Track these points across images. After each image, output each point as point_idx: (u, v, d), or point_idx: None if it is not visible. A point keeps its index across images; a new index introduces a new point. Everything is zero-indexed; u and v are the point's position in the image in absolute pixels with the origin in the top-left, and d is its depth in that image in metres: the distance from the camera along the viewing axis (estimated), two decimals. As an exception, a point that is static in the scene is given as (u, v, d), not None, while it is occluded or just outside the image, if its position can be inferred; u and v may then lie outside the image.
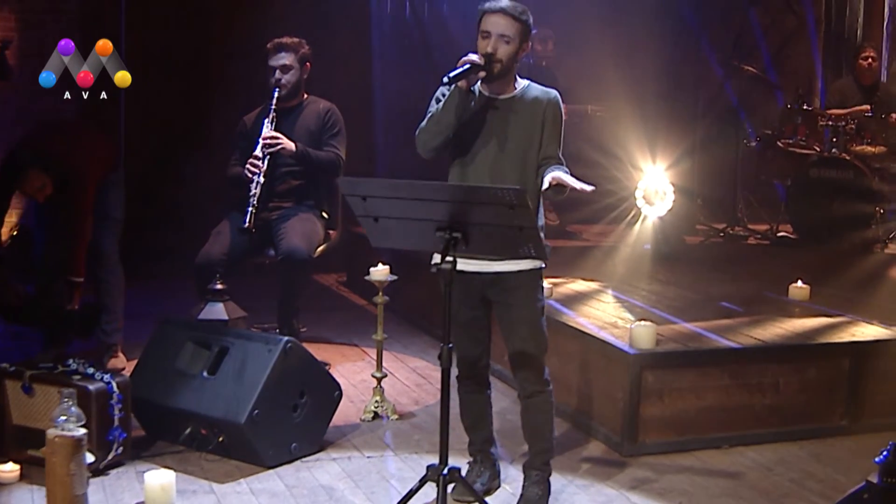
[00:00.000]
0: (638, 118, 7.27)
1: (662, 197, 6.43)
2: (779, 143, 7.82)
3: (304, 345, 5.69)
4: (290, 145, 5.10)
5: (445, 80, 3.31)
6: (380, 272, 4.56)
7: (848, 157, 7.41)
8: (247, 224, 4.93)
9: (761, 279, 6.10)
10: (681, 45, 8.15)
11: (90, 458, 3.57)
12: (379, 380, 4.66)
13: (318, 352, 5.74)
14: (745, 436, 4.38)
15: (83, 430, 3.37)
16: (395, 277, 4.60)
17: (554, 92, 3.56)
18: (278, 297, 5.21)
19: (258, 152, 5.06)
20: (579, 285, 5.74)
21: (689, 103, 8.50)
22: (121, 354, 5.20)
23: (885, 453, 2.80)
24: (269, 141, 5.07)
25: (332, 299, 7.30)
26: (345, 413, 4.62)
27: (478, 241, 2.97)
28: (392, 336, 6.05)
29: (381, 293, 4.59)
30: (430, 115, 3.47)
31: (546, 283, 5.18)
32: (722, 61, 8.19)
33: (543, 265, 3.57)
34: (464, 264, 3.45)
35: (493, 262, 3.47)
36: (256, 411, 3.90)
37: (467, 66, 3.34)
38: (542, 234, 3.42)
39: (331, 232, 5.42)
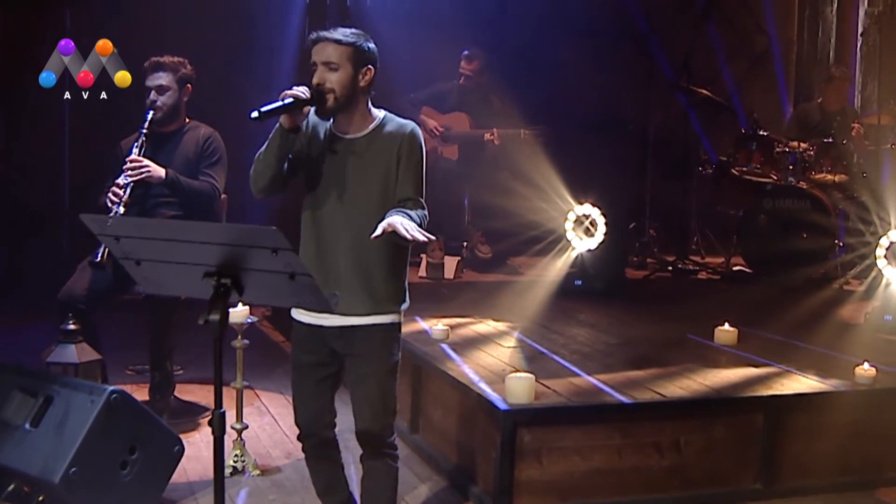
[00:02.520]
0: (577, 143, 6.81)
1: (593, 229, 5.95)
2: (733, 171, 7.28)
3: (188, 386, 5.35)
4: (158, 171, 4.64)
5: (253, 115, 2.87)
6: (238, 313, 4.14)
7: (805, 186, 6.89)
8: (98, 258, 4.44)
9: (694, 319, 5.50)
10: (633, 64, 7.69)
11: None
12: (239, 432, 4.24)
13: (205, 394, 5.34)
14: (639, 501, 3.94)
15: None
16: (254, 319, 4.19)
17: (411, 124, 3.14)
18: (149, 337, 4.80)
19: (121, 179, 4.61)
20: (484, 327, 5.25)
21: (639, 127, 8.00)
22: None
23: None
24: (132, 166, 4.62)
25: (247, 336, 6.80)
26: (206, 467, 4.23)
27: (252, 289, 2.52)
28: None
29: (239, 336, 4.20)
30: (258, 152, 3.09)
31: (442, 325, 4.81)
32: (673, 82, 7.63)
33: (399, 319, 3.16)
34: (307, 317, 3.12)
35: (343, 316, 3.06)
36: (73, 469, 3.49)
37: (288, 100, 2.93)
38: (395, 281, 3.10)
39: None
